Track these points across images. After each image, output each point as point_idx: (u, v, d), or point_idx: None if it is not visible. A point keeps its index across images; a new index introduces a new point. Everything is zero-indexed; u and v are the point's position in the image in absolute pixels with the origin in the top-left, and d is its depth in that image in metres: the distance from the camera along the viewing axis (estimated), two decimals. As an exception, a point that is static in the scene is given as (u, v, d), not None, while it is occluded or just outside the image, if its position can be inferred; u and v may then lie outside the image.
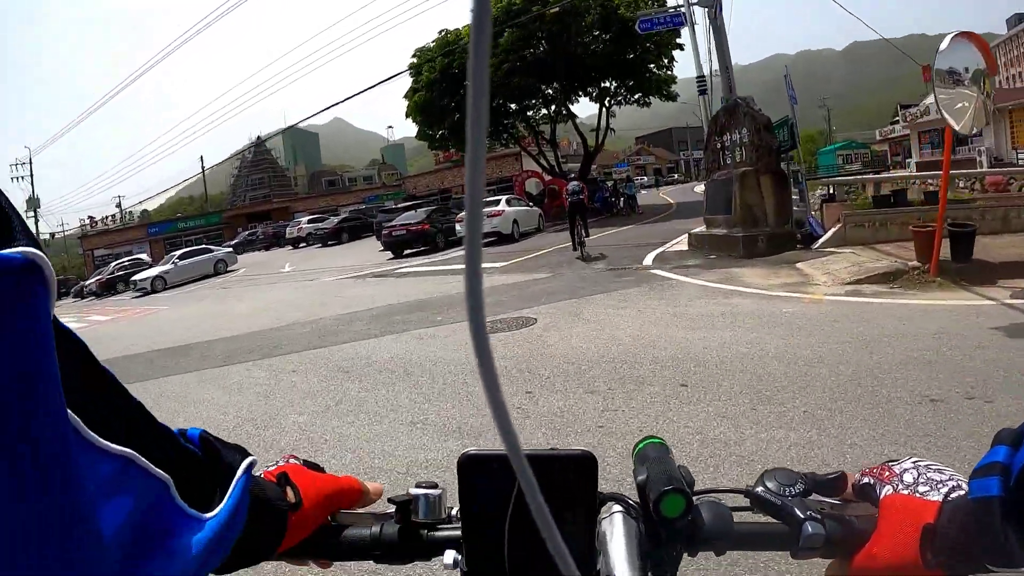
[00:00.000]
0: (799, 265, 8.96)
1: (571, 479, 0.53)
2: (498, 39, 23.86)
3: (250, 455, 0.50)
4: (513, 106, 28.55)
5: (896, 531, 0.50)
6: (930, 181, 14.36)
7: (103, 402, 0.37)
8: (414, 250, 19.50)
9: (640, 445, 0.61)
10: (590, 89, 27.61)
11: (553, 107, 28.60)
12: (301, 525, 0.56)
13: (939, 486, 0.50)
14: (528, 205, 21.87)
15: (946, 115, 6.45)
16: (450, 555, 0.57)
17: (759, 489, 0.57)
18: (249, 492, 0.48)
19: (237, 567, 0.50)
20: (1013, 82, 56.05)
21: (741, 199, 10.44)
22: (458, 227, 19.01)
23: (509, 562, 0.54)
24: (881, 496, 0.53)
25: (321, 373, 6.17)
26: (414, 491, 0.60)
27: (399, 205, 28.95)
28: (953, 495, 0.49)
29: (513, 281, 10.48)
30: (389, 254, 19.88)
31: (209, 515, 0.43)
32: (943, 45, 6.34)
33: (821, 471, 0.59)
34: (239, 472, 0.48)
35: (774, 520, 0.57)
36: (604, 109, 27.84)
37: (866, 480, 0.56)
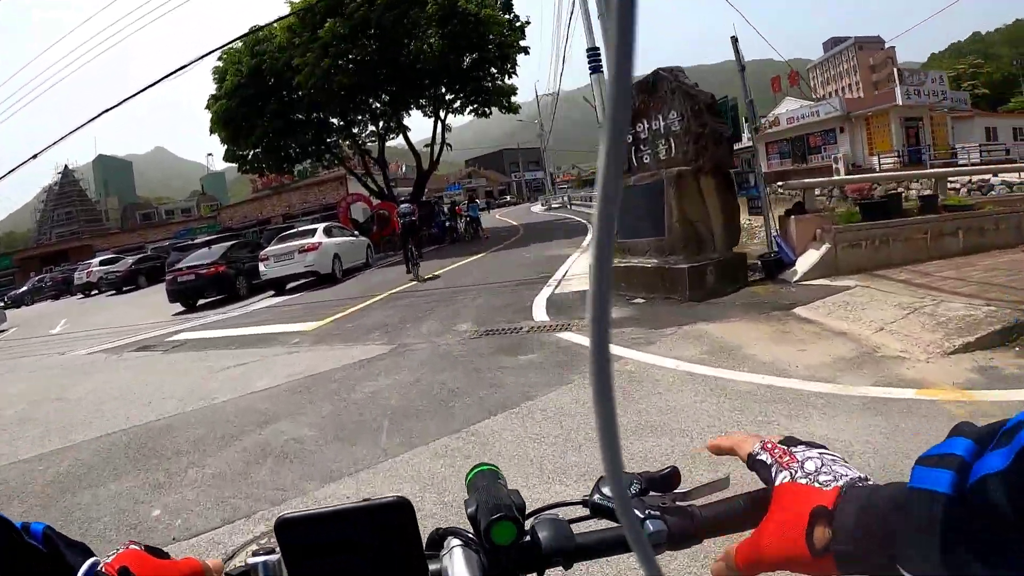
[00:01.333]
0: (801, 312, 5.52)
1: (389, 528, 0.51)
2: (317, 29, 19.28)
3: (92, 555, 0.49)
4: (336, 121, 24.12)
5: (784, 520, 0.45)
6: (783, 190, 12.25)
7: None
8: (210, 299, 14.24)
9: (471, 474, 0.59)
10: (423, 101, 23.71)
11: (381, 123, 24.47)
12: None
13: (841, 478, 0.45)
14: (353, 234, 17.55)
15: None
16: None
17: (596, 497, 0.56)
18: None
19: None
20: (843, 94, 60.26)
21: (679, 212, 6.91)
22: (262, 267, 14.09)
23: None
24: (777, 483, 0.48)
25: None
26: (252, 560, 0.55)
27: (198, 240, 22.93)
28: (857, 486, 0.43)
29: (326, 367, 5.95)
30: (180, 305, 14.41)
31: None
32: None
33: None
34: (79, 575, 0.46)
35: (617, 524, 0.55)
36: (439, 121, 23.96)
37: (763, 456, 0.51)
